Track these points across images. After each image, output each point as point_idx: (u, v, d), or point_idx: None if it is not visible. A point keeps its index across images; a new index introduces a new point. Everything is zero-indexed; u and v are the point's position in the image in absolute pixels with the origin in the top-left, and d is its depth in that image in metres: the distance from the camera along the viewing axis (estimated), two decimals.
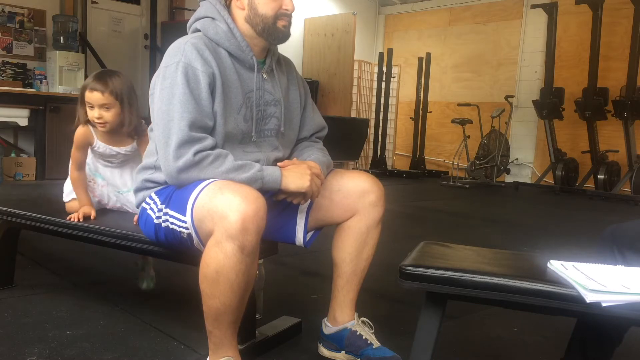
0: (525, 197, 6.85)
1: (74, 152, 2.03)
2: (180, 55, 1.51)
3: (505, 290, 1.16)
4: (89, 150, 2.06)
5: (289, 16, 1.61)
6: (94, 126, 1.99)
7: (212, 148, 1.49)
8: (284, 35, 1.63)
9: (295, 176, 1.54)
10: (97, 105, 1.92)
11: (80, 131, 2.01)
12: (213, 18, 1.60)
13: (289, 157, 1.78)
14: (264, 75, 1.67)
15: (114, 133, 2.01)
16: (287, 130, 1.74)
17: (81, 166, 2.04)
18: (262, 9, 1.58)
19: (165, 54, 1.57)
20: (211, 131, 1.53)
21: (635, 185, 6.44)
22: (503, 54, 8.48)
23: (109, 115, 1.93)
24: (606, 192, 6.60)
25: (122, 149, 2.05)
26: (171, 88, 1.49)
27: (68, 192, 2.10)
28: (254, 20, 1.59)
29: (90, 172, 2.10)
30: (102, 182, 2.10)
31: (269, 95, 1.67)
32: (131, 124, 2.00)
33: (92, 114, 1.94)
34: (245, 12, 1.60)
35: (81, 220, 1.91)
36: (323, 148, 1.83)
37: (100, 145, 2.03)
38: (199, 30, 1.62)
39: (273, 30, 1.60)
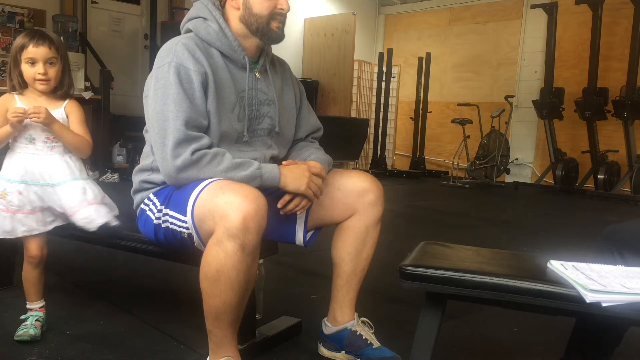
0: (525, 197, 6.85)
1: None
2: (172, 56, 1.52)
3: (505, 290, 1.16)
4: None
5: (284, 17, 1.61)
6: (21, 94, 1.78)
7: (209, 147, 1.49)
8: (277, 36, 1.63)
9: (293, 176, 1.54)
10: (43, 60, 1.73)
11: (1, 99, 1.78)
12: (205, 18, 1.61)
13: (286, 157, 1.78)
14: (257, 75, 1.67)
15: (45, 98, 1.80)
16: (283, 130, 1.74)
17: None
18: (256, 8, 1.58)
19: (157, 56, 1.58)
20: (206, 130, 1.53)
21: (635, 185, 6.44)
22: (503, 54, 8.48)
23: (53, 72, 1.76)
24: (606, 192, 6.60)
25: (52, 112, 1.77)
26: (165, 88, 1.49)
27: None
28: (248, 20, 1.60)
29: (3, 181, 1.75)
30: (19, 187, 1.74)
31: (262, 94, 1.67)
32: (70, 86, 1.84)
33: (34, 70, 1.73)
34: (240, 12, 1.61)
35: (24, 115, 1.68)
36: (320, 147, 1.83)
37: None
38: (191, 31, 1.63)
39: (267, 30, 1.60)
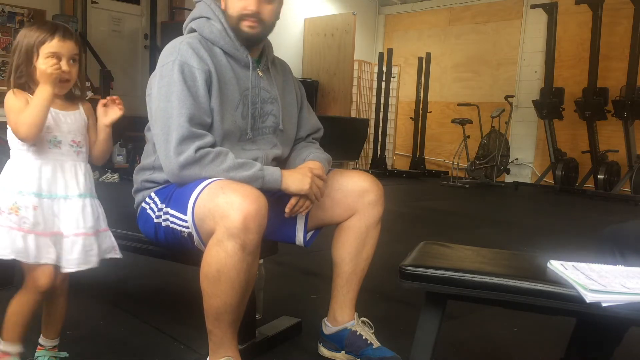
0: (525, 197, 6.85)
1: (17, 116, 1.37)
2: (176, 54, 1.52)
3: (505, 290, 1.16)
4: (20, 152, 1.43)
5: (255, 17, 1.58)
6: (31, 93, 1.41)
7: (213, 145, 1.49)
8: (250, 36, 1.61)
9: (295, 178, 1.54)
10: (69, 56, 1.43)
11: (16, 95, 1.40)
12: (208, 18, 1.62)
13: (288, 157, 1.78)
14: (260, 74, 1.68)
15: (61, 99, 1.49)
16: (286, 128, 1.75)
17: None
18: (230, 9, 1.60)
19: (161, 54, 1.59)
20: (209, 128, 1.53)
21: (635, 185, 6.44)
22: (503, 54, 8.48)
23: (75, 70, 1.47)
24: (606, 192, 6.60)
25: (72, 113, 1.50)
26: (168, 86, 1.50)
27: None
28: (228, 19, 1.61)
29: (17, 195, 1.38)
30: (35, 201, 1.39)
31: (265, 93, 1.68)
32: (83, 85, 1.59)
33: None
34: (226, 13, 1.62)
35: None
36: (320, 148, 1.84)
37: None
38: (194, 31, 1.64)
39: (238, 30, 1.60)
